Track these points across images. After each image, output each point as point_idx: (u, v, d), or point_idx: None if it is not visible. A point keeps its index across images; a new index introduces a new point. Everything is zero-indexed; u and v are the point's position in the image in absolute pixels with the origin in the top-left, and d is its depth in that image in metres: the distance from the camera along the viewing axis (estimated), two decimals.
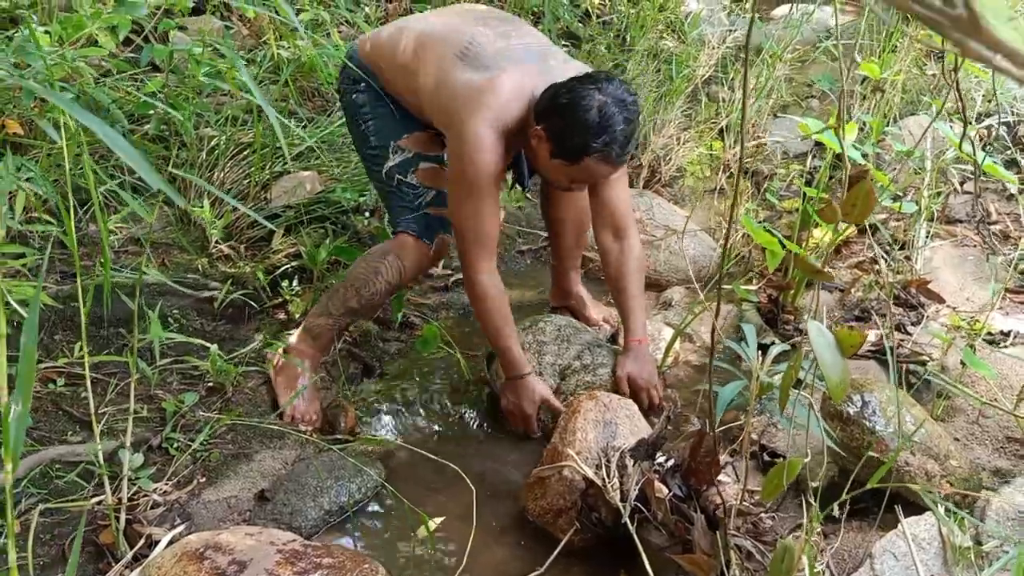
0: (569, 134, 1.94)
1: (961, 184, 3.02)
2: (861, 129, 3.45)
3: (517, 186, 2.41)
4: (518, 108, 2.02)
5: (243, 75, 1.11)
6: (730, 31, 5.07)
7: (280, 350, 2.22)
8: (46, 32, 2.24)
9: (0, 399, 0.71)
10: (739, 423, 2.05)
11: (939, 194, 2.99)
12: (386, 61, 2.17)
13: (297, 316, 2.42)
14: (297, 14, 3.03)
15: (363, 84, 2.21)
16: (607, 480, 1.68)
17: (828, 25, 5.62)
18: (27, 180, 2.09)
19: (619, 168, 2.06)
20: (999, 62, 0.38)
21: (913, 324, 2.48)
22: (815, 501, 1.38)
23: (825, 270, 1.12)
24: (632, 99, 1.96)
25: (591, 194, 2.25)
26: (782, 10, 5.41)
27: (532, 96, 2.02)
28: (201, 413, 2.05)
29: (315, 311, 2.24)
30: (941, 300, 2.52)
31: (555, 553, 1.77)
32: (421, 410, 2.28)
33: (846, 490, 1.39)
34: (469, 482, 1.98)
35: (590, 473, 1.73)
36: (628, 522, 1.62)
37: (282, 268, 2.52)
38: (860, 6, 5.42)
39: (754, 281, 2.79)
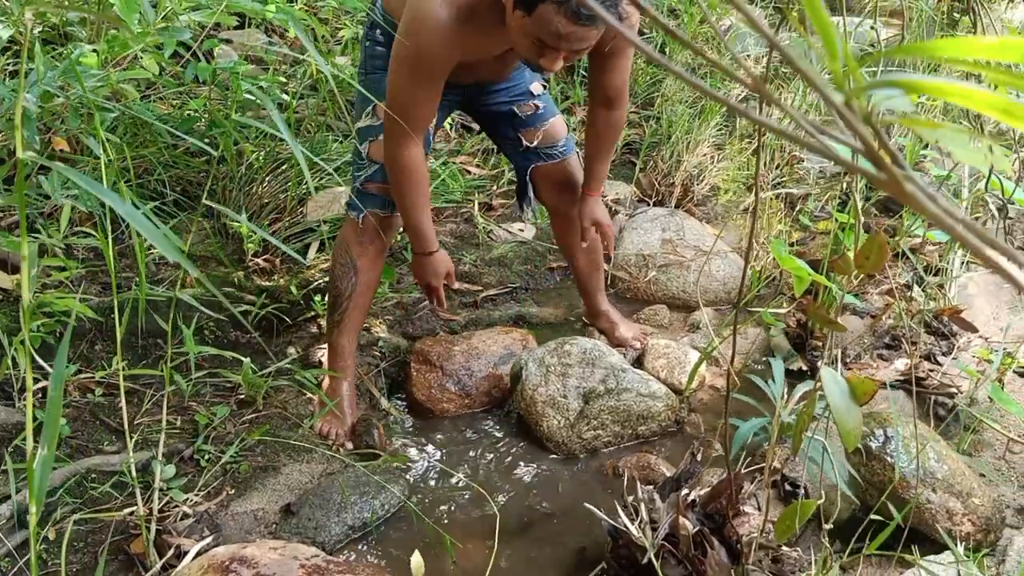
0: None
1: (999, 211, 2.97)
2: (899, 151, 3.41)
3: (518, 205, 2.43)
4: None
5: (277, 122, 1.15)
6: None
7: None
8: (94, 51, 2.31)
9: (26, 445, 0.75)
10: (760, 452, 2.05)
11: (976, 219, 2.95)
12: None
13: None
14: (337, 32, 3.08)
15: (382, 36, 2.04)
16: (633, 521, 1.68)
17: (871, 38, 5.56)
18: (73, 196, 2.17)
19: (579, 26, 1.72)
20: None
21: (944, 354, 2.45)
22: (827, 541, 1.38)
23: (837, 321, 1.12)
24: None
25: (591, 75, 2.17)
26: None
27: None
28: (231, 427, 2.11)
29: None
30: (974, 329, 2.48)
31: None
32: (448, 428, 2.32)
33: (867, 532, 1.39)
34: (492, 504, 2.01)
35: (620, 524, 1.72)
36: (653, 559, 1.62)
37: (315, 283, 2.57)
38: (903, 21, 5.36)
39: (784, 304, 2.77)
